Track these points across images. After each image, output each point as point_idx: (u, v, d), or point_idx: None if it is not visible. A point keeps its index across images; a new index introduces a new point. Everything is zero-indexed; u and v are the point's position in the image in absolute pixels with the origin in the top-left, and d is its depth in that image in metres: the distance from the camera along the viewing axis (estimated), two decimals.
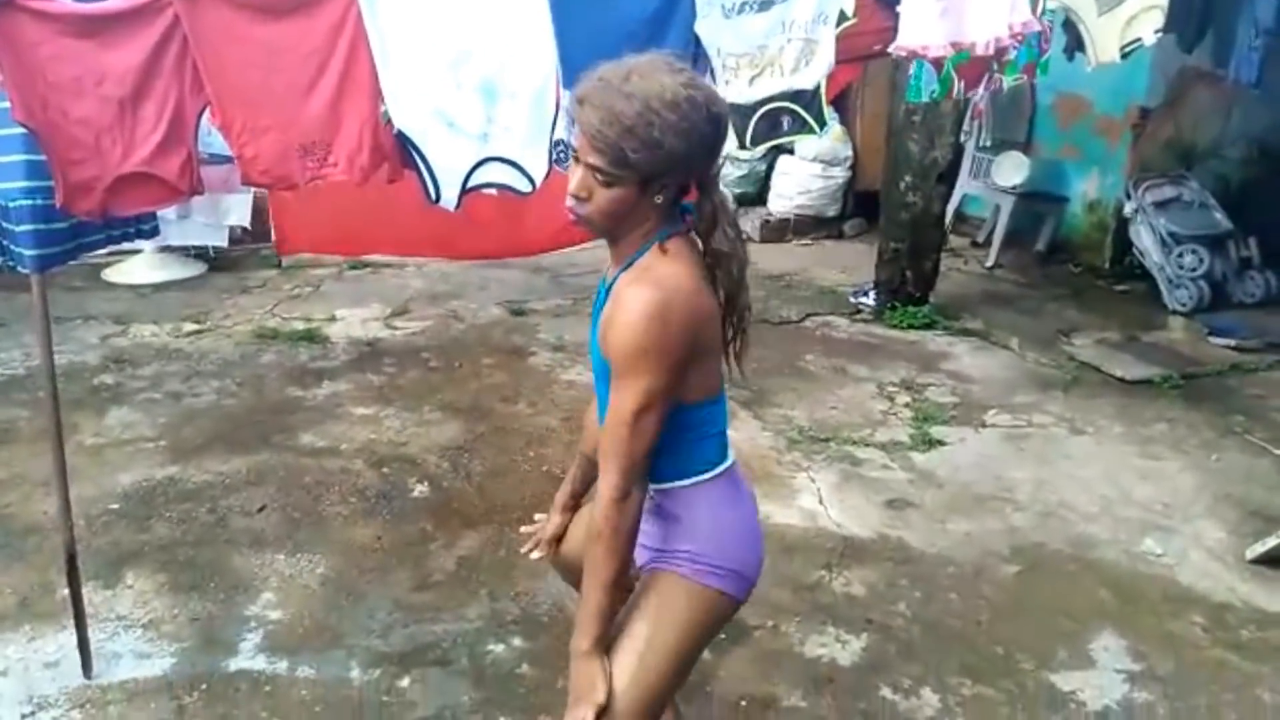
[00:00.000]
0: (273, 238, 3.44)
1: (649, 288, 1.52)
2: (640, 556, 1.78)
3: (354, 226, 3.38)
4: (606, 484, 1.59)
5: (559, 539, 2.11)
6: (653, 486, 1.72)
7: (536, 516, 2.21)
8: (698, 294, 1.58)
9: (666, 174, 1.53)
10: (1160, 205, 6.41)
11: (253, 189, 3.24)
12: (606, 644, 1.66)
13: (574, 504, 2.13)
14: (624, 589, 1.70)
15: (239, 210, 3.29)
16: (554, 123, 2.50)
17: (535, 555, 2.13)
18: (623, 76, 1.50)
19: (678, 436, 1.66)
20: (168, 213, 3.23)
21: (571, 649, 1.67)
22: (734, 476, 1.78)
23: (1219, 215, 6.42)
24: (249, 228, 3.46)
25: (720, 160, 1.62)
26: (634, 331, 1.51)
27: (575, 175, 1.58)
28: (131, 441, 3.97)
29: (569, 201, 1.60)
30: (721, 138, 1.58)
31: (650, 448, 1.59)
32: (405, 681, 2.66)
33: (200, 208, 3.25)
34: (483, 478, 3.79)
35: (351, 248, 3.53)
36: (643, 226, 1.61)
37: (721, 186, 1.64)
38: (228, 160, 2.39)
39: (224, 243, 3.63)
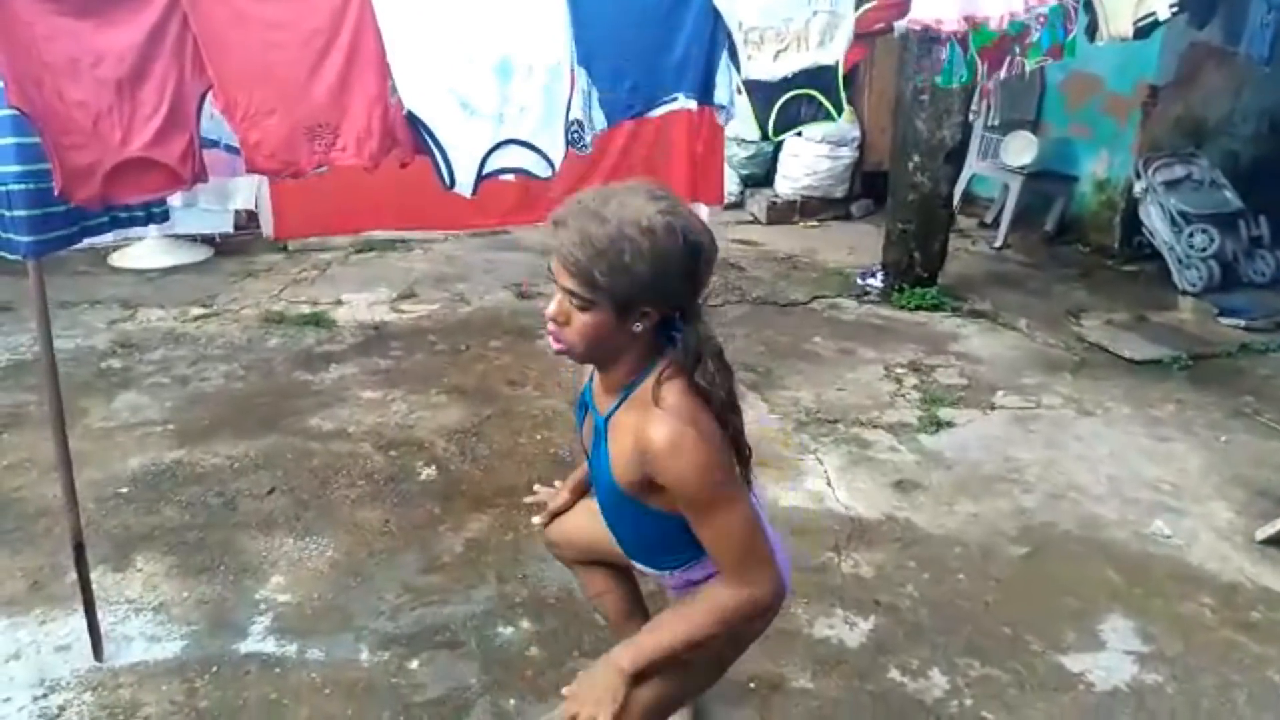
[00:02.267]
0: (269, 224, 3.39)
1: (675, 424, 1.52)
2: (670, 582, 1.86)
3: (350, 201, 3.33)
4: (757, 591, 1.60)
5: (563, 512, 2.14)
6: (672, 571, 1.81)
7: (538, 487, 2.24)
8: (708, 419, 1.58)
9: (641, 301, 1.52)
10: (1170, 184, 6.37)
11: (254, 177, 3.23)
12: (642, 678, 1.64)
13: (583, 490, 2.15)
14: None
15: (245, 193, 3.24)
16: (569, 102, 2.46)
17: (536, 521, 2.17)
18: (601, 201, 1.49)
19: (691, 539, 1.66)
20: (173, 199, 3.20)
21: (611, 658, 1.65)
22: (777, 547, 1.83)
23: (1229, 194, 6.38)
24: (255, 210, 3.40)
25: (704, 293, 1.61)
26: (694, 469, 1.52)
27: (554, 300, 1.58)
28: (140, 426, 3.98)
29: (550, 326, 1.60)
30: (701, 267, 1.55)
31: (766, 549, 1.62)
32: (414, 663, 2.67)
33: (206, 194, 3.21)
34: (490, 460, 3.79)
35: (350, 223, 3.45)
36: (630, 356, 1.61)
37: (703, 320, 1.61)
38: (234, 151, 2.36)
39: (229, 228, 3.59)
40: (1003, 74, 3.12)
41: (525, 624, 2.84)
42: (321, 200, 3.29)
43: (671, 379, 1.58)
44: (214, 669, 2.62)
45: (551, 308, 1.57)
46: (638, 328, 1.55)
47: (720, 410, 1.60)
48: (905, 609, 2.98)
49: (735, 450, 1.65)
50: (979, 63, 3.01)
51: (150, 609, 2.85)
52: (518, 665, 2.67)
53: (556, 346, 1.61)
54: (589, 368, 1.77)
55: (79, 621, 2.65)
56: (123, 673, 2.59)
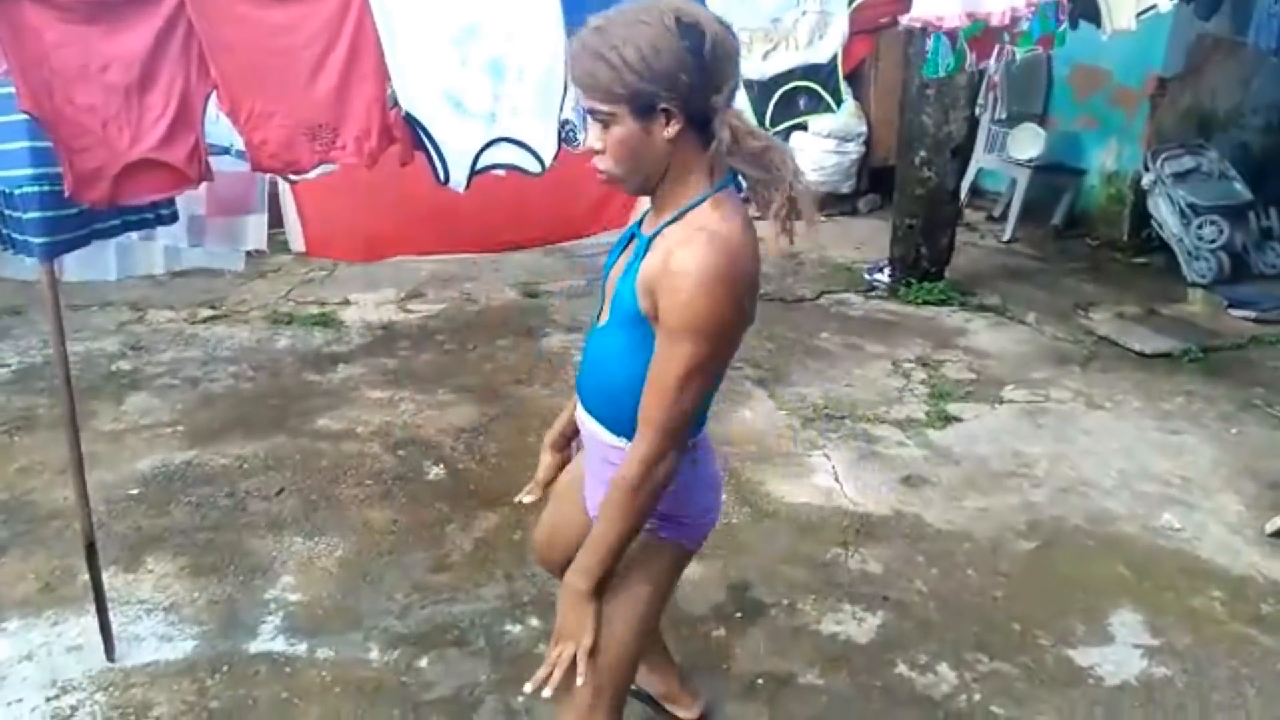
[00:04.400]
0: (300, 243, 3.38)
1: (711, 252, 1.49)
2: (593, 508, 1.82)
3: (380, 229, 3.36)
4: (642, 441, 1.58)
5: (549, 482, 2.12)
6: (625, 443, 1.70)
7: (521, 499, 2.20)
8: (754, 259, 1.56)
9: (656, 96, 1.49)
10: (1179, 176, 6.33)
11: (265, 212, 3.23)
12: (602, 590, 1.67)
13: (564, 442, 2.13)
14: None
15: (256, 233, 3.24)
16: (562, 102, 2.48)
17: (527, 499, 2.13)
18: (604, 16, 1.52)
19: None
20: (180, 239, 3.19)
21: (566, 585, 1.68)
22: (703, 439, 1.81)
23: (1239, 185, 6.34)
24: (265, 250, 3.41)
25: (730, 87, 1.56)
26: (693, 296, 1.49)
27: (589, 133, 1.59)
28: (150, 427, 4.00)
29: (593, 161, 1.60)
30: (718, 56, 1.51)
31: (693, 414, 1.59)
32: (423, 662, 2.68)
33: (214, 235, 3.21)
34: (498, 459, 3.80)
35: (379, 251, 3.49)
36: (679, 175, 1.59)
37: (738, 116, 1.57)
38: (244, 156, 2.37)
39: (240, 266, 3.58)
40: (991, 63, 3.11)
41: (534, 622, 2.84)
42: (356, 223, 3.32)
43: (725, 204, 1.56)
44: (224, 668, 2.63)
45: (588, 140, 1.59)
46: (666, 132, 1.53)
47: (775, 177, 1.56)
48: (914, 604, 2.98)
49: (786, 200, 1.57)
50: (968, 52, 3.00)
51: (161, 609, 2.87)
52: (526, 663, 2.68)
53: (601, 178, 1.61)
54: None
55: (91, 622, 2.67)
56: (134, 673, 2.61)
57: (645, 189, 1.63)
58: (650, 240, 1.62)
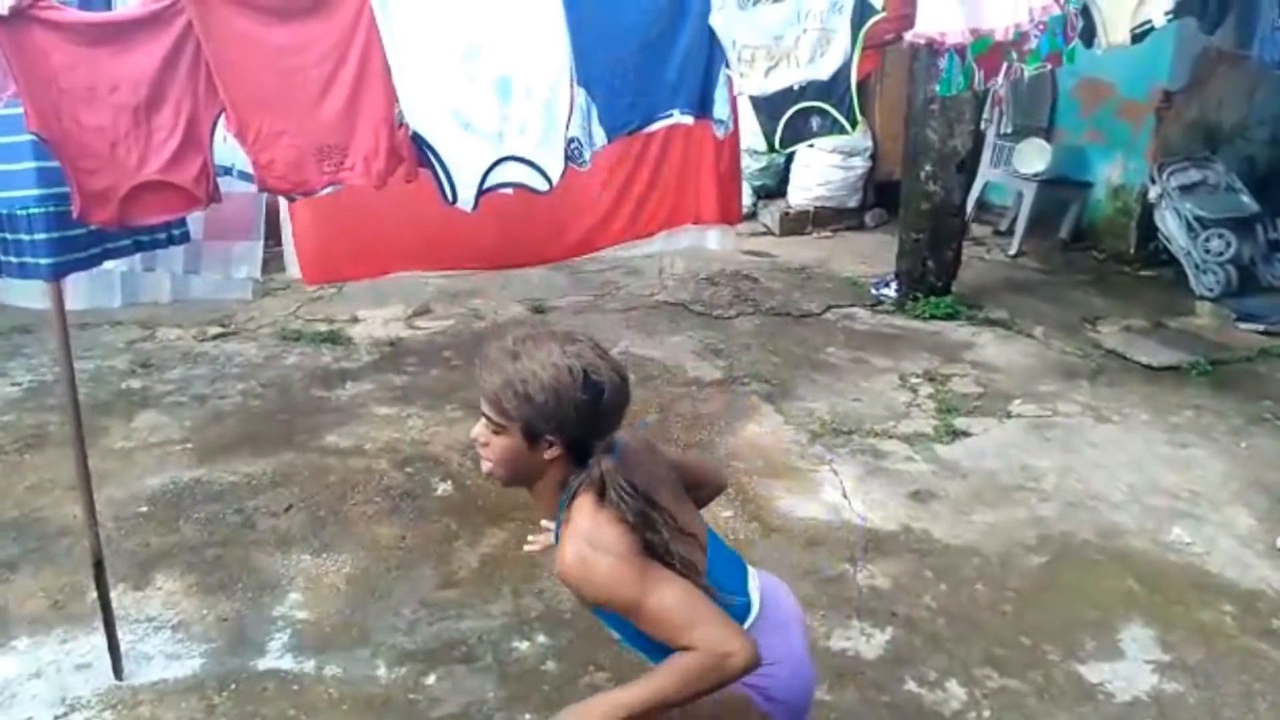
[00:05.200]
0: (294, 265, 3.37)
1: (575, 547, 1.62)
2: None
3: (376, 244, 3.34)
4: (719, 648, 1.60)
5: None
6: None
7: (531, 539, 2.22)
8: (611, 524, 1.63)
9: (544, 430, 1.66)
10: (1185, 189, 6.33)
11: (261, 238, 3.23)
12: None
13: None
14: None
15: (250, 261, 3.23)
16: (569, 120, 2.50)
17: (532, 548, 2.13)
18: (519, 342, 1.69)
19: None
20: (175, 264, 3.16)
21: (588, 704, 1.66)
22: (769, 619, 1.80)
23: (1245, 198, 6.33)
24: (259, 279, 3.40)
25: (611, 434, 1.71)
26: (603, 583, 1.61)
27: (477, 426, 1.74)
28: (159, 444, 4.01)
29: (477, 448, 1.75)
30: (608, 411, 1.69)
31: (710, 612, 1.62)
32: (431, 679, 2.68)
33: (209, 261, 3.20)
34: None
35: (376, 268, 3.48)
36: (550, 483, 1.73)
37: (613, 455, 1.71)
38: (247, 177, 2.38)
39: (248, 295, 3.57)
40: (1000, 80, 3.12)
41: (541, 638, 2.84)
42: (351, 243, 3.30)
43: (580, 498, 1.68)
44: (232, 686, 2.64)
45: (474, 430, 1.75)
46: (547, 455, 1.69)
47: (636, 531, 1.65)
48: (922, 620, 2.96)
49: (662, 559, 1.66)
50: (975, 70, 3.01)
51: (169, 627, 2.88)
52: (534, 680, 2.68)
53: (484, 467, 1.76)
54: None
55: (99, 640, 2.67)
56: (142, 690, 2.61)
57: (525, 485, 1.78)
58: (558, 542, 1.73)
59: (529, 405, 1.64)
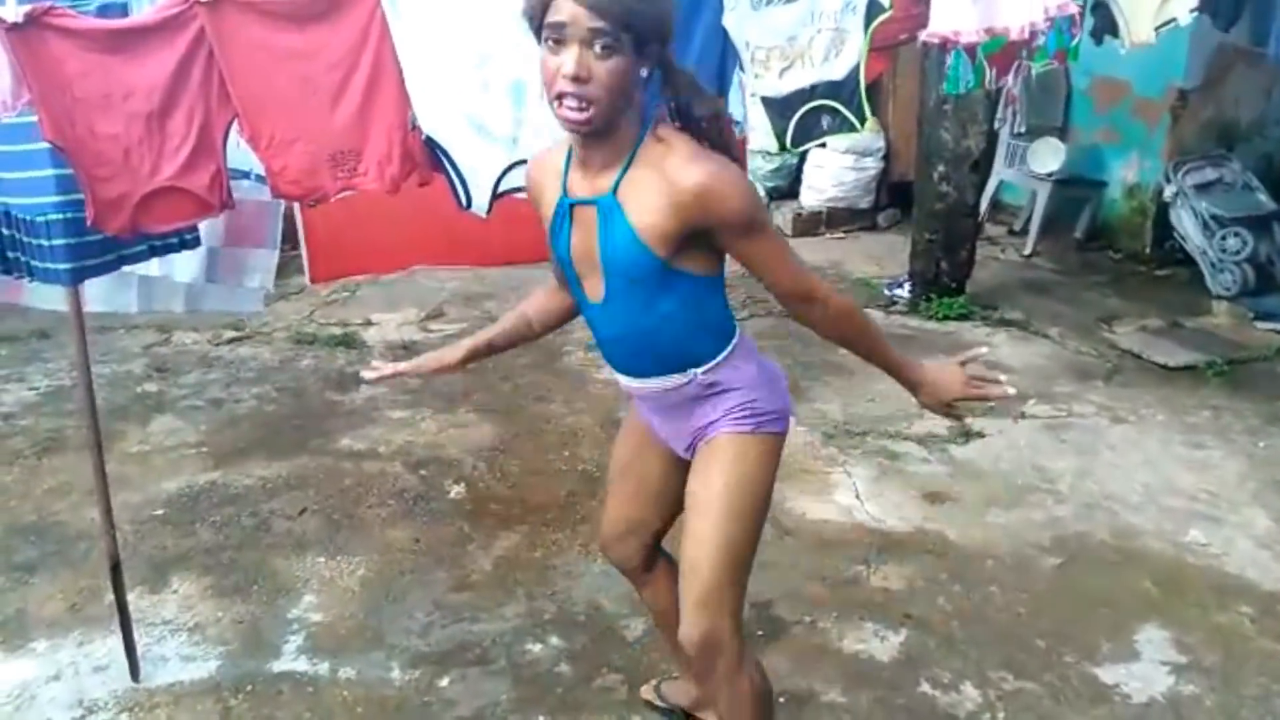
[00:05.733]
0: (305, 270, 3.38)
1: (709, 160, 1.61)
2: (686, 440, 1.93)
3: (385, 241, 3.35)
4: (823, 296, 1.92)
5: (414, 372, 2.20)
6: (699, 371, 1.84)
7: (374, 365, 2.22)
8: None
9: (653, 40, 1.57)
10: (1201, 188, 6.28)
11: (277, 248, 3.24)
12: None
13: (485, 351, 2.17)
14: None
15: (263, 271, 3.24)
16: None
17: (369, 375, 2.19)
18: None
19: (716, 308, 1.84)
20: (192, 277, 3.18)
21: (920, 371, 2.08)
22: (745, 335, 1.95)
23: (1262, 196, 6.28)
24: (272, 290, 3.41)
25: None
26: (744, 193, 1.63)
27: (569, 57, 1.52)
28: (175, 448, 4.04)
29: (566, 87, 1.54)
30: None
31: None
32: (445, 681, 2.69)
33: (226, 267, 3.21)
34: (518, 478, 3.81)
35: (390, 262, 3.48)
36: (628, 117, 1.64)
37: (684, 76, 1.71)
38: (264, 180, 2.39)
39: (261, 307, 3.58)
40: (1010, 78, 3.10)
41: (555, 641, 2.85)
42: (360, 240, 3.31)
43: (672, 130, 1.65)
44: (248, 688, 2.65)
45: (570, 66, 1.52)
46: (644, 72, 1.60)
47: (719, 141, 1.68)
48: (936, 622, 2.95)
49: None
50: (987, 68, 2.99)
51: (185, 629, 2.89)
52: (547, 682, 2.68)
53: (576, 109, 1.56)
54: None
55: (116, 642, 2.69)
56: (159, 693, 2.63)
57: (607, 128, 1.62)
58: (614, 198, 1.66)
59: (652, 9, 1.54)
